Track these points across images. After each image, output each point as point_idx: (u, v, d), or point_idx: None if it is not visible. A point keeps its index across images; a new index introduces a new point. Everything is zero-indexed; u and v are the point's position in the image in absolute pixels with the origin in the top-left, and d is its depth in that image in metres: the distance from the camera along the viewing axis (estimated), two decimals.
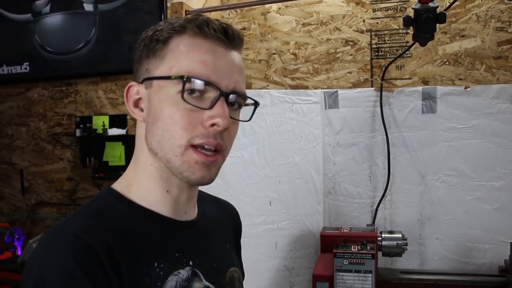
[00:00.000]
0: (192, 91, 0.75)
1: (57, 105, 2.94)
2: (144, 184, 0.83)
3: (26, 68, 2.98)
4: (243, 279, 1.04)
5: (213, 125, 0.75)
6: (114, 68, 2.73)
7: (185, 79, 0.74)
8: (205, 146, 0.76)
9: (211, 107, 0.75)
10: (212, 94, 0.76)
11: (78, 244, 0.70)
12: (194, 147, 0.76)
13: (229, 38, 0.79)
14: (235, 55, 0.81)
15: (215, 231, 0.95)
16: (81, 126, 2.78)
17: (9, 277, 2.52)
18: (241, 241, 1.09)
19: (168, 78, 0.75)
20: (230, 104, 0.78)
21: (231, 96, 0.77)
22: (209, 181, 0.80)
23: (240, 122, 0.84)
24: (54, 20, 2.88)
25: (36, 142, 3.01)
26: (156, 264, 0.77)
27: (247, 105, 0.84)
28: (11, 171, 3.09)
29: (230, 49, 0.80)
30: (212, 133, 0.76)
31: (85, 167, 2.81)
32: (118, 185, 0.85)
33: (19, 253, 2.55)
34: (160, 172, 0.81)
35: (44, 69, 2.92)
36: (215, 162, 0.78)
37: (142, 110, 0.81)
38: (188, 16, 0.82)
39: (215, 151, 0.77)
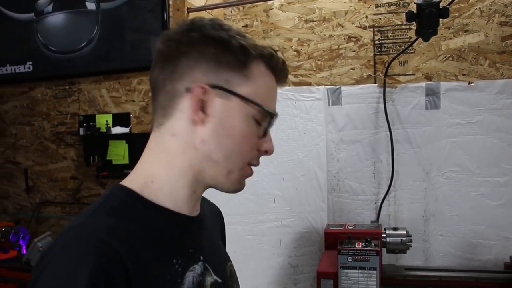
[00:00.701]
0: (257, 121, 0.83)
1: (61, 104, 2.95)
2: (171, 183, 0.82)
3: (29, 68, 2.99)
4: None
5: (266, 151, 0.87)
6: (117, 66, 2.74)
7: (273, 115, 0.84)
8: (253, 166, 0.87)
9: (265, 135, 0.86)
10: (265, 123, 0.85)
11: (103, 247, 0.69)
12: (249, 165, 0.86)
13: (284, 77, 0.89)
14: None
15: (211, 226, 0.99)
16: (85, 125, 2.78)
17: (14, 276, 2.53)
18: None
19: (259, 106, 0.82)
20: None
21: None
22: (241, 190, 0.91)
23: None
24: (56, 19, 2.89)
25: (40, 141, 3.02)
26: (174, 261, 0.79)
27: None
28: (16, 171, 3.10)
29: (279, 85, 0.89)
30: (260, 156, 0.87)
31: (89, 165, 2.82)
32: (133, 183, 0.83)
33: (24, 252, 2.56)
34: (197, 175, 0.83)
35: (47, 68, 2.93)
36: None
37: (204, 113, 0.80)
38: (257, 43, 0.84)
39: None
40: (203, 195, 0.97)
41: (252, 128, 0.82)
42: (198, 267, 0.82)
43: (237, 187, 0.86)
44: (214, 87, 0.79)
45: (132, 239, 0.74)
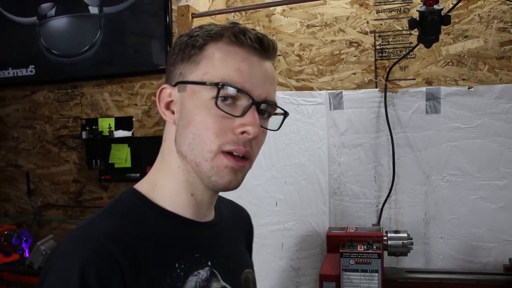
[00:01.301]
0: (225, 98, 0.76)
1: (63, 108, 2.96)
2: (169, 186, 0.83)
3: (31, 71, 3.01)
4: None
5: (243, 132, 0.76)
6: (120, 70, 2.76)
7: (220, 85, 0.75)
8: (234, 153, 0.77)
9: (243, 114, 0.76)
10: (244, 102, 0.77)
11: (101, 253, 0.70)
12: (224, 153, 0.77)
13: (264, 48, 0.80)
14: (268, 65, 0.82)
15: (230, 232, 0.96)
16: (87, 128, 2.80)
17: (17, 279, 2.54)
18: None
19: (203, 83, 0.77)
20: (260, 113, 0.79)
21: (262, 105, 0.79)
22: (236, 186, 0.81)
23: None
24: (59, 23, 2.91)
25: (42, 145, 3.04)
26: (177, 265, 0.79)
27: (276, 114, 0.85)
28: (17, 174, 3.11)
29: (264, 59, 0.81)
30: (242, 141, 0.77)
31: (91, 169, 2.83)
32: (142, 186, 0.85)
33: (27, 255, 2.57)
34: (187, 175, 0.82)
35: (50, 71, 2.95)
36: (242, 168, 0.79)
37: (173, 112, 0.82)
38: (225, 23, 0.83)
39: (243, 157, 0.78)
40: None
41: (215, 111, 0.76)
42: (203, 272, 0.82)
43: (216, 180, 0.78)
44: (174, 85, 0.82)
45: (132, 243, 0.74)
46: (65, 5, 2.89)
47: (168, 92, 0.83)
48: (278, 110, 0.84)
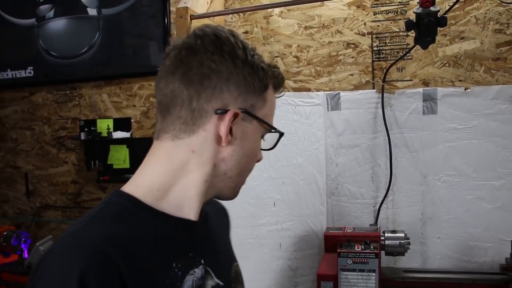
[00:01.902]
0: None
1: (62, 109, 2.97)
2: (181, 194, 0.83)
3: (30, 72, 3.01)
4: None
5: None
6: (118, 72, 2.77)
7: (281, 134, 0.89)
8: None
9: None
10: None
11: (100, 258, 0.69)
12: None
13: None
14: None
15: (215, 228, 0.99)
16: (86, 129, 2.81)
17: (16, 280, 2.54)
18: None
19: (274, 129, 0.89)
20: None
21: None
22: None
23: None
24: (58, 24, 2.92)
25: (40, 146, 3.04)
26: (174, 265, 0.80)
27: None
28: (16, 175, 3.12)
29: None
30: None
31: (89, 170, 2.84)
32: (135, 189, 0.82)
33: (26, 255, 2.57)
34: (208, 188, 0.87)
35: (48, 73, 2.96)
36: None
37: (232, 136, 0.83)
38: (271, 67, 0.90)
39: None
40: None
41: (259, 145, 0.90)
42: (198, 271, 0.83)
43: (230, 195, 0.93)
44: (243, 111, 0.82)
45: (130, 245, 0.74)
46: (63, 7, 2.90)
47: (234, 114, 0.81)
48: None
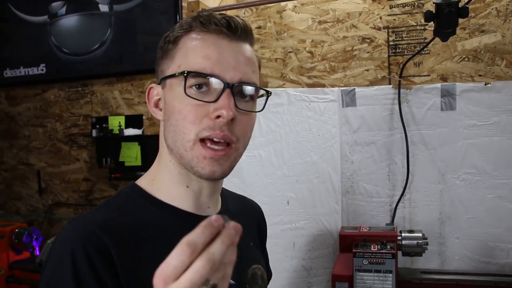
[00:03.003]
0: (199, 85, 0.76)
1: (73, 106, 2.96)
2: (165, 180, 0.85)
3: (42, 70, 3.01)
4: (269, 279, 1.04)
5: (218, 117, 0.75)
6: (130, 68, 2.75)
7: (185, 74, 0.76)
8: (214, 139, 0.76)
9: (216, 99, 0.76)
10: (218, 87, 0.76)
11: (91, 238, 0.73)
12: (203, 141, 0.77)
13: (232, 30, 0.79)
14: (242, 47, 0.81)
15: None
16: (97, 126, 2.80)
17: (27, 277, 2.54)
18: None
19: (173, 76, 0.79)
20: (241, 96, 0.79)
21: (237, 87, 0.78)
22: (221, 175, 0.80)
23: (257, 116, 0.84)
24: (70, 21, 2.91)
25: (52, 143, 3.04)
26: None
27: (261, 96, 0.84)
28: (28, 172, 3.12)
29: (235, 41, 0.80)
30: (218, 125, 0.76)
31: (101, 167, 2.82)
32: (142, 181, 0.87)
33: (38, 253, 2.56)
34: (178, 168, 0.83)
35: (60, 70, 2.95)
36: (225, 156, 0.78)
37: (161, 110, 0.84)
38: (194, 14, 0.83)
39: (227, 145, 0.78)
40: (241, 193, 1.00)
41: (188, 100, 0.76)
42: None
43: (199, 171, 0.78)
44: (159, 83, 0.84)
45: (127, 234, 0.76)
46: (75, 4, 2.89)
47: (156, 91, 0.85)
48: (261, 92, 0.83)
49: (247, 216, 1.02)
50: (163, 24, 2.63)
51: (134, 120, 2.74)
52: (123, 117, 2.76)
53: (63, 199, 3.02)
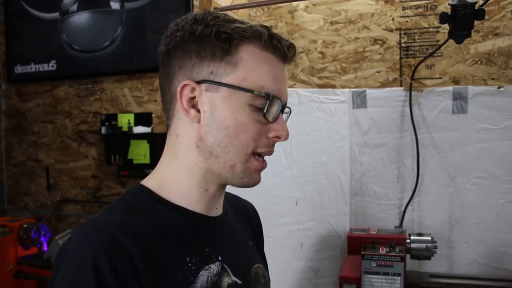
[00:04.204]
0: (262, 105, 0.78)
1: (83, 103, 2.97)
2: (181, 182, 0.83)
3: (53, 66, 3.02)
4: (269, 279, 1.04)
5: (275, 137, 0.80)
6: (140, 66, 2.75)
7: (271, 97, 0.77)
8: (263, 155, 0.81)
9: (274, 120, 0.80)
10: (274, 108, 0.79)
11: (113, 244, 0.71)
12: (254, 155, 0.80)
13: (290, 56, 0.82)
14: (287, 70, 0.85)
15: (237, 227, 0.96)
16: (106, 123, 2.80)
17: (35, 273, 2.55)
18: (267, 241, 1.09)
19: (250, 91, 0.77)
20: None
21: (285, 109, 0.83)
22: (258, 183, 0.85)
23: None
24: (81, 18, 2.92)
25: (61, 140, 3.05)
26: (188, 259, 0.78)
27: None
28: (37, 168, 3.13)
29: (286, 64, 0.83)
30: (272, 144, 0.82)
31: (109, 164, 2.83)
32: (149, 182, 0.85)
33: (45, 249, 2.58)
34: (205, 173, 0.82)
35: (71, 67, 2.96)
36: (265, 167, 0.84)
37: (198, 111, 0.80)
38: (250, 23, 0.81)
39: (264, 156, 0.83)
40: (242, 194, 1.00)
41: (250, 115, 0.77)
42: (214, 267, 0.81)
43: (248, 181, 0.82)
44: (200, 82, 0.78)
45: (144, 236, 0.75)
46: (87, 1, 2.89)
47: (190, 88, 0.79)
48: (286, 109, 0.86)
49: (243, 215, 1.02)
50: None
51: (143, 118, 2.74)
52: (133, 114, 2.76)
53: (71, 196, 3.03)
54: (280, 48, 0.79)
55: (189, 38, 0.79)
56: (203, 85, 0.78)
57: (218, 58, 0.77)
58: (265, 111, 0.78)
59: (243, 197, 1.07)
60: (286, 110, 0.85)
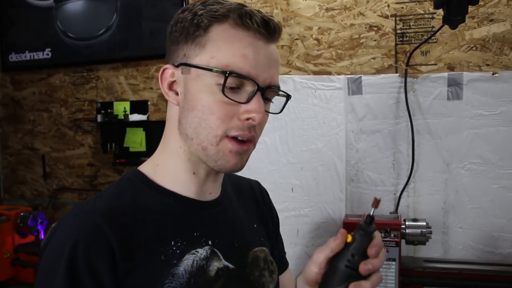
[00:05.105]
0: (231, 85, 0.76)
1: (79, 91, 2.95)
2: (170, 166, 0.85)
3: (48, 54, 3.00)
4: (284, 263, 1.08)
5: (248, 119, 0.77)
6: (135, 54, 2.74)
7: (227, 74, 0.75)
8: (239, 138, 0.78)
9: (248, 101, 0.77)
10: (249, 88, 0.77)
11: (93, 231, 0.73)
12: (229, 137, 0.78)
13: (270, 32, 0.79)
14: (273, 48, 0.81)
15: (237, 210, 0.95)
16: (102, 112, 2.79)
17: (32, 260, 2.55)
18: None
19: (209, 70, 0.76)
20: (265, 98, 0.80)
21: (267, 90, 0.79)
22: (241, 168, 0.82)
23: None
24: (75, 6, 2.89)
25: (57, 128, 3.04)
26: (173, 243, 0.79)
27: (278, 95, 0.85)
28: (33, 157, 3.13)
29: (269, 42, 0.80)
30: (247, 126, 0.78)
31: (106, 153, 2.83)
32: (145, 167, 0.87)
33: (42, 237, 2.58)
34: (189, 155, 0.83)
35: (66, 55, 2.94)
36: (247, 151, 0.81)
37: (177, 93, 0.82)
38: (229, 3, 0.80)
39: (247, 140, 0.80)
40: (240, 174, 0.96)
41: (220, 97, 0.76)
42: (202, 251, 0.81)
43: (223, 164, 0.79)
44: (178, 66, 0.81)
45: (128, 220, 0.77)
46: None
47: (171, 72, 0.82)
48: (281, 92, 0.84)
49: (246, 196, 1.02)
50: (169, 10, 2.61)
51: (139, 106, 2.74)
52: (128, 102, 2.76)
53: (68, 184, 3.03)
54: (250, 25, 0.77)
55: (175, 27, 0.81)
56: (180, 68, 0.81)
57: (190, 41, 0.79)
58: (223, 89, 0.75)
59: None
60: (277, 93, 0.83)
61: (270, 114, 0.85)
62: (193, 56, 0.79)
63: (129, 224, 0.77)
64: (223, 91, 0.75)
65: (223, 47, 0.76)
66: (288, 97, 0.85)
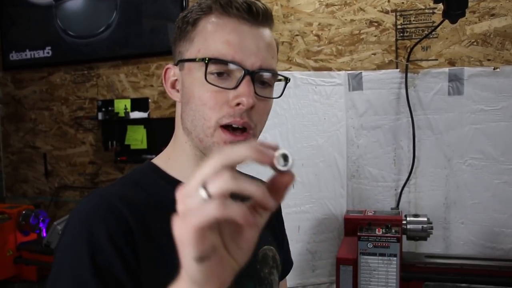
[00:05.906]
0: (219, 73, 0.76)
1: (79, 89, 2.96)
2: (180, 160, 0.86)
3: (48, 53, 3.00)
4: (289, 262, 1.08)
5: (238, 104, 0.76)
6: (136, 51, 2.74)
7: (206, 61, 0.75)
8: (233, 126, 0.77)
9: (236, 86, 0.76)
10: (238, 73, 0.76)
11: (112, 210, 0.74)
12: (223, 127, 0.77)
13: (253, 15, 0.78)
14: (262, 32, 0.80)
15: None
16: (103, 109, 2.80)
17: (34, 258, 2.56)
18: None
19: (193, 60, 0.78)
20: (260, 82, 0.79)
21: (258, 73, 0.77)
22: None
23: (274, 100, 0.85)
24: (75, 4, 2.89)
25: (58, 126, 3.05)
26: None
27: (278, 80, 0.83)
28: (35, 155, 3.13)
29: (256, 26, 0.79)
30: (238, 112, 0.76)
31: (107, 150, 2.83)
32: (158, 160, 0.89)
33: (44, 234, 2.59)
34: (194, 150, 0.84)
35: (66, 53, 2.94)
36: (244, 141, 0.79)
37: (178, 91, 0.85)
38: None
39: (243, 130, 0.78)
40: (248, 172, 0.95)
41: (208, 86, 0.76)
42: None
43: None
44: (176, 64, 0.84)
45: (143, 209, 0.77)
46: None
47: (173, 71, 0.85)
48: (279, 77, 0.83)
49: None
50: (169, 7, 2.62)
51: (140, 103, 2.74)
52: (129, 100, 2.76)
53: (69, 182, 3.03)
54: (232, 12, 0.77)
55: (175, 28, 0.85)
56: (178, 66, 0.84)
57: (182, 38, 0.82)
58: (205, 76, 0.75)
59: None
60: (276, 77, 0.81)
61: (272, 109, 0.84)
62: (185, 52, 0.81)
63: (144, 212, 0.77)
64: (205, 79, 0.75)
65: (209, 38, 0.78)
66: (286, 80, 0.84)
